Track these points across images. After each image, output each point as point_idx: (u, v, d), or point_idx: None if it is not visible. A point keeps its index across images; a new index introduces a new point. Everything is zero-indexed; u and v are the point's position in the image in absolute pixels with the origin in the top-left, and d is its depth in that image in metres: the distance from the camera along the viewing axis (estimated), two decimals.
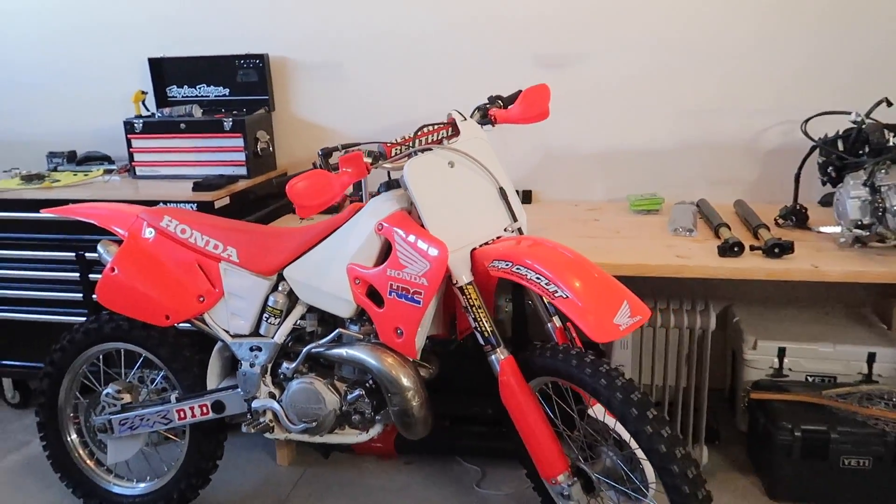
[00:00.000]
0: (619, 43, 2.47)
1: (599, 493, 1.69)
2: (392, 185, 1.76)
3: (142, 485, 2.07)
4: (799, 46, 2.37)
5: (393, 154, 1.69)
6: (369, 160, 1.67)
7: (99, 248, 1.94)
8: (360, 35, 2.64)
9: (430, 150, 1.69)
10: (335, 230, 1.78)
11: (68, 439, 2.09)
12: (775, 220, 2.17)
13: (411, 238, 1.62)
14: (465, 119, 1.77)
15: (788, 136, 2.43)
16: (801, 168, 2.18)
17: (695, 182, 2.54)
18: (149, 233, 1.91)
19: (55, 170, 2.84)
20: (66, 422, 2.08)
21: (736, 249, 1.87)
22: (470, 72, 2.60)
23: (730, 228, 2.05)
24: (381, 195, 1.75)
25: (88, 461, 2.10)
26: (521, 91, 1.88)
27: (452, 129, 1.77)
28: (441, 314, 1.85)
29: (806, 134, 2.16)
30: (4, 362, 2.65)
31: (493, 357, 1.66)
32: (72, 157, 2.88)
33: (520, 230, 1.74)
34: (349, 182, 1.64)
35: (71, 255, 2.43)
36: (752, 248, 1.89)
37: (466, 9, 2.54)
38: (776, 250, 1.84)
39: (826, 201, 2.30)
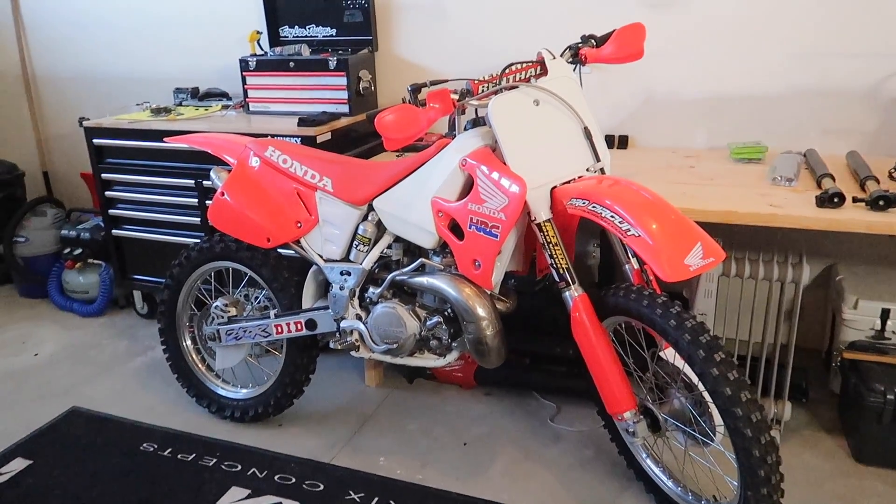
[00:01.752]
0: None
1: (666, 433, 1.71)
2: (479, 122, 1.80)
3: (244, 390, 2.30)
4: None
5: (480, 91, 1.72)
6: (456, 97, 1.71)
7: (211, 174, 2.12)
8: None
9: (517, 87, 1.71)
10: (422, 165, 1.86)
11: (184, 345, 2.33)
12: (890, 172, 2.03)
13: (492, 174, 1.67)
14: (555, 58, 1.77)
15: None
16: None
17: (805, 131, 2.39)
18: (255, 162, 2.07)
19: (180, 104, 3.08)
20: (182, 330, 2.33)
21: (836, 200, 1.77)
22: (572, 12, 2.55)
23: (834, 179, 1.94)
24: (467, 132, 1.80)
25: (200, 366, 2.35)
26: (614, 30, 1.85)
27: (541, 67, 1.78)
28: (522, 252, 1.91)
29: None
30: (135, 277, 2.97)
31: (566, 294, 1.70)
32: (195, 93, 3.12)
33: (602, 170, 1.75)
34: (436, 117, 1.70)
35: (191, 182, 2.67)
36: (856, 199, 1.79)
37: None
38: (881, 202, 1.73)
39: None
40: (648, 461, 1.86)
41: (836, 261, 2.46)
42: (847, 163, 2.18)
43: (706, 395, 1.51)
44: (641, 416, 1.68)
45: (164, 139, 2.31)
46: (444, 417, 2.31)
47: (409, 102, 1.71)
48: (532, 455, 2.10)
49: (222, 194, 2.05)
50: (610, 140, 2.62)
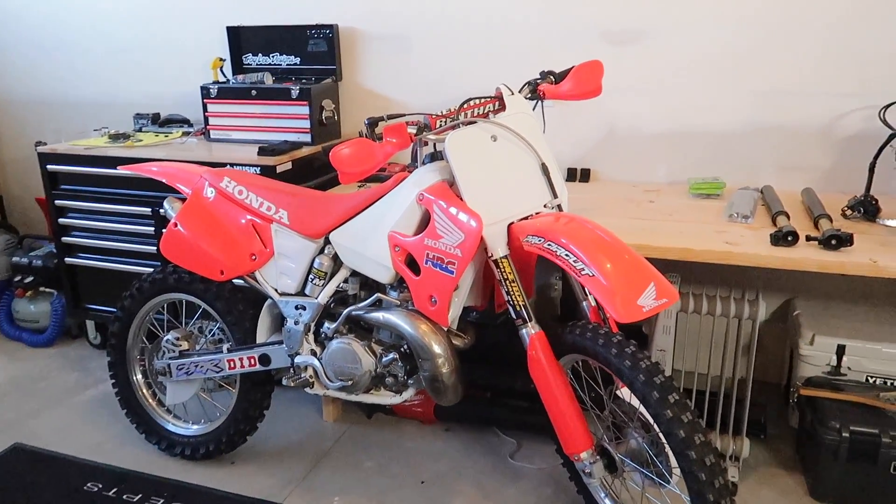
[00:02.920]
0: (689, 18, 2.38)
1: (623, 474, 1.69)
2: (437, 156, 1.79)
3: (195, 426, 2.23)
4: (884, 26, 2.21)
5: (437, 126, 1.71)
6: (413, 131, 1.70)
7: (165, 204, 2.07)
8: (427, 7, 2.66)
9: (475, 123, 1.71)
10: (380, 198, 1.84)
11: (134, 379, 2.26)
12: (843, 210, 2.06)
13: (449, 209, 1.65)
14: (513, 94, 1.77)
15: (868, 123, 2.28)
16: (876, 157, 2.05)
17: (762, 167, 2.43)
18: (210, 192, 2.03)
19: (140, 130, 3.03)
20: (132, 363, 2.25)
21: (790, 238, 1.79)
22: (535, 47, 2.57)
23: (788, 217, 1.97)
24: (425, 166, 1.78)
25: (151, 400, 2.27)
26: (573, 67, 1.86)
27: (499, 102, 1.77)
28: (481, 286, 1.88)
29: (884, 121, 2.03)
30: (89, 306, 2.88)
31: (523, 331, 1.68)
32: (155, 119, 3.07)
33: (559, 207, 1.74)
34: (392, 152, 1.68)
35: (147, 210, 2.61)
36: (809, 238, 1.81)
37: None
38: (833, 242, 1.75)
39: None
40: (607, 501, 1.83)
41: (794, 295, 2.49)
42: (802, 199, 2.21)
43: (662, 436, 1.49)
44: (598, 457, 1.66)
45: (119, 167, 2.25)
46: (402, 454, 2.26)
47: (366, 136, 1.70)
48: (491, 494, 2.06)
49: (175, 225, 2.00)
50: (572, 173, 2.63)
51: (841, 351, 2.15)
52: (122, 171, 2.22)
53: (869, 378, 2.12)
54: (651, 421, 1.51)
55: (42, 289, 3.07)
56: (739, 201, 2.16)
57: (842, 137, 2.32)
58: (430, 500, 2.04)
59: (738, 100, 2.41)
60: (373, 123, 1.71)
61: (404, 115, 1.74)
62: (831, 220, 1.92)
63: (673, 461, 1.53)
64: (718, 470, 1.39)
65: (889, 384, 2.09)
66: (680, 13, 2.38)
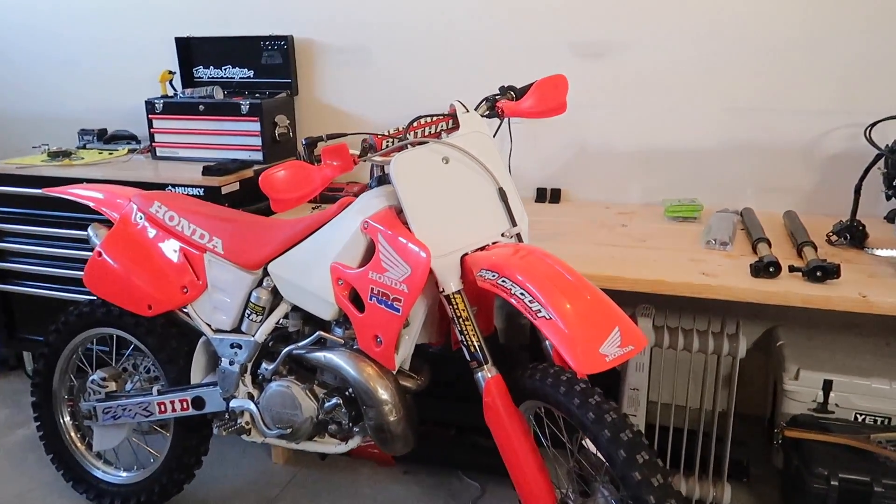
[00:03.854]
0: (663, 31, 2.23)
1: None
2: (385, 180, 1.62)
3: (125, 473, 2.03)
4: (868, 39, 2.08)
5: (384, 147, 1.55)
6: (356, 153, 1.53)
7: (89, 230, 1.89)
8: (388, 18, 2.50)
9: (425, 143, 1.54)
10: (323, 225, 1.66)
11: (61, 421, 2.06)
12: (828, 236, 1.92)
13: (394, 239, 1.48)
14: (468, 111, 1.61)
15: (853, 142, 2.15)
16: (862, 179, 1.91)
17: (741, 188, 2.29)
18: (138, 218, 1.84)
19: (84, 147, 2.84)
20: (59, 403, 2.06)
21: (771, 270, 1.64)
22: (501, 61, 2.42)
23: (770, 245, 1.82)
24: (371, 190, 1.61)
25: (80, 444, 2.08)
26: (534, 82, 1.70)
27: (453, 121, 1.61)
28: (436, 321, 1.71)
29: (870, 140, 1.89)
30: (26, 336, 2.68)
31: (478, 375, 1.51)
32: (102, 135, 2.88)
33: (519, 236, 1.57)
34: (332, 176, 1.51)
35: (84, 233, 2.41)
36: (792, 268, 1.66)
37: None
38: (818, 274, 1.60)
39: (891, 217, 2.01)
40: None
41: (777, 323, 2.34)
42: (784, 223, 2.07)
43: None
44: None
45: (44, 189, 2.07)
46: (356, 501, 2.07)
47: (304, 159, 1.52)
48: None
49: (99, 254, 1.82)
50: (542, 193, 2.48)
51: (828, 387, 1.99)
52: (46, 192, 2.03)
53: (858, 416, 1.96)
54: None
55: None
56: (717, 226, 2.01)
57: (825, 157, 2.18)
58: None
59: (716, 116, 2.26)
60: (311, 144, 1.54)
61: (346, 134, 1.57)
62: (815, 249, 1.78)
63: None
64: None
65: (880, 423, 1.94)
66: (654, 26, 2.24)
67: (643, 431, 1.94)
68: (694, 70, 2.24)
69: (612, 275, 1.68)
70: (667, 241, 1.95)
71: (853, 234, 1.86)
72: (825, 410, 2.00)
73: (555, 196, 2.47)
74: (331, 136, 1.55)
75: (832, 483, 1.74)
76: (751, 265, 1.67)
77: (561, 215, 2.27)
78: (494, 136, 2.31)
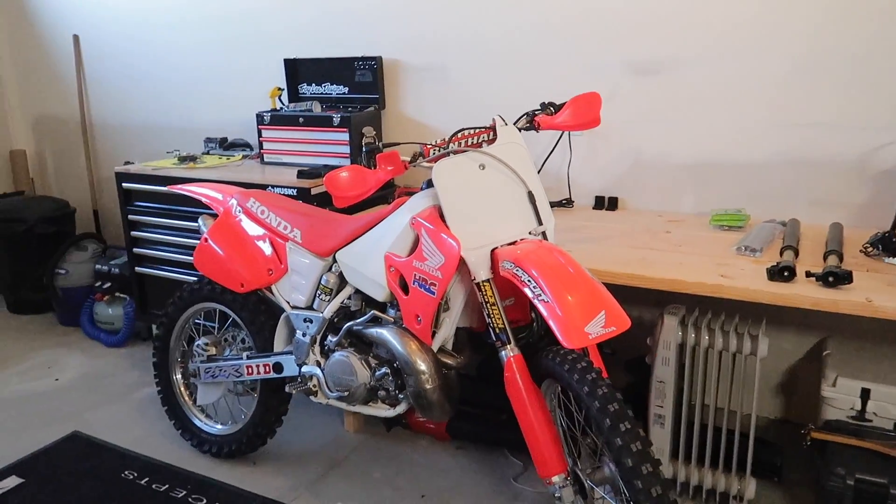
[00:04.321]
0: (720, 48, 2.35)
1: (593, 501, 1.69)
2: (432, 183, 1.89)
3: (220, 426, 2.42)
4: None
5: (430, 154, 1.82)
6: (407, 159, 1.81)
7: (199, 220, 2.29)
8: (462, 41, 2.78)
9: (465, 152, 1.79)
10: (381, 221, 1.96)
11: (174, 378, 2.48)
12: (864, 247, 1.97)
13: (433, 233, 1.74)
14: (506, 124, 1.85)
15: None
16: None
17: (792, 200, 2.35)
18: (237, 211, 2.22)
19: (207, 153, 3.32)
20: (173, 364, 2.48)
21: (786, 274, 1.74)
22: (564, 74, 2.62)
23: (797, 253, 1.91)
24: (421, 192, 1.88)
25: (188, 399, 2.48)
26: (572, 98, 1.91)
27: (493, 133, 1.85)
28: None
29: None
30: (154, 311, 3.17)
31: (502, 353, 1.73)
32: (222, 143, 3.35)
33: (544, 234, 1.79)
34: (385, 178, 1.80)
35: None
36: (809, 274, 1.75)
37: (561, 11, 2.57)
38: (830, 279, 1.69)
39: None
40: None
41: (828, 334, 2.38)
42: (827, 235, 2.13)
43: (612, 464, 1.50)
44: (568, 482, 1.68)
45: (168, 186, 2.50)
46: (410, 468, 2.34)
47: (363, 163, 1.82)
48: None
49: (206, 240, 2.21)
50: (600, 201, 2.65)
51: (866, 395, 2.03)
52: (171, 190, 2.46)
53: None
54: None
55: (118, 294, 3.41)
56: (756, 235, 2.11)
57: (876, 172, 2.22)
58: None
59: (767, 130, 2.35)
60: (370, 151, 1.84)
61: (399, 143, 1.86)
62: (841, 258, 1.85)
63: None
64: (666, 501, 1.39)
65: None
66: (710, 42, 2.36)
67: (679, 427, 2.07)
68: (745, 84, 2.34)
69: (635, 273, 1.85)
70: (702, 247, 2.08)
71: (886, 246, 1.91)
72: (863, 419, 2.04)
73: (612, 204, 2.63)
74: (386, 146, 1.84)
75: (848, 482, 1.80)
76: (767, 269, 1.78)
77: (613, 221, 2.43)
78: (554, 149, 2.55)
